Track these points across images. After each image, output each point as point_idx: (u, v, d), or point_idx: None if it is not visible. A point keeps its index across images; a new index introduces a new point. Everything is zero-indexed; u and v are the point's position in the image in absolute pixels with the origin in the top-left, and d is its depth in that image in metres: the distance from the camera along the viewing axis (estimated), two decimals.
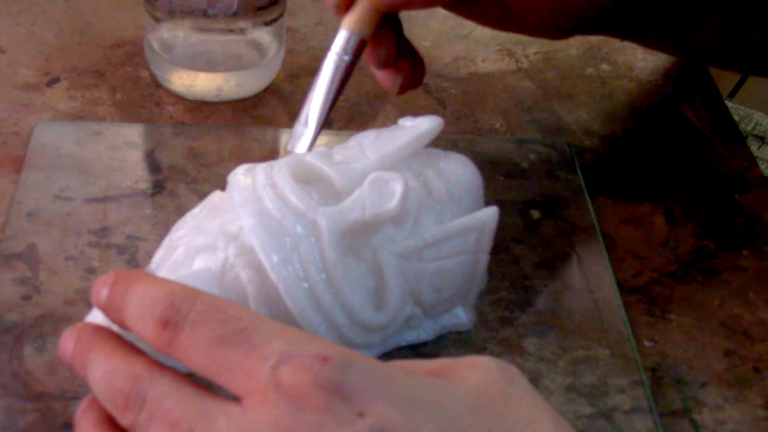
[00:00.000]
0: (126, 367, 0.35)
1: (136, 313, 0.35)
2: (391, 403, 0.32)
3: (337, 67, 0.49)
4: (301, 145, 0.49)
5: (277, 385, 0.32)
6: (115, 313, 0.36)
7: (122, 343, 0.36)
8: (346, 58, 0.49)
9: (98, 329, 0.37)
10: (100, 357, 0.35)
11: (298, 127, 0.50)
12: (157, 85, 0.64)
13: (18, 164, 0.56)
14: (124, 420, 0.34)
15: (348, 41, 0.49)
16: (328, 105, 0.49)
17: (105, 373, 0.35)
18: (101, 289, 0.36)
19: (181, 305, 0.34)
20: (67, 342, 0.37)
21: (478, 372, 0.34)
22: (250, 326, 0.34)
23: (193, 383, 0.34)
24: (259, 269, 0.43)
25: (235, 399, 0.33)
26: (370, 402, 0.32)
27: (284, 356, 0.32)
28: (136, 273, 0.37)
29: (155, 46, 0.62)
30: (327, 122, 0.50)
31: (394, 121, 0.50)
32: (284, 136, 0.61)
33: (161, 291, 0.35)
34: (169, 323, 0.34)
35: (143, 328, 0.35)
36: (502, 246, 0.54)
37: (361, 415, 0.31)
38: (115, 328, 0.37)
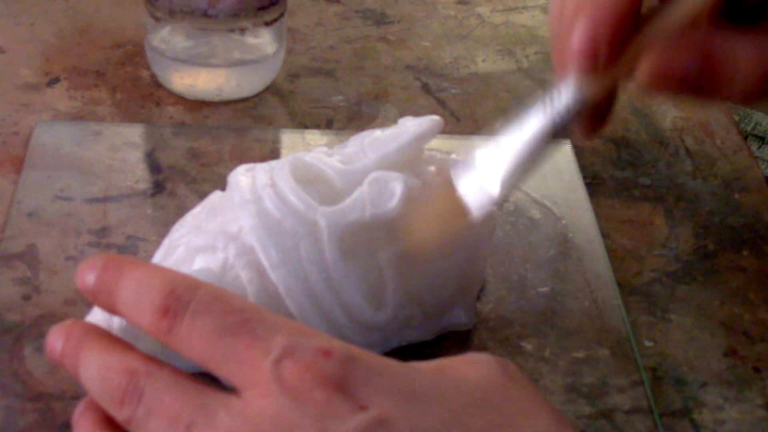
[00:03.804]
0: (122, 362, 0.34)
1: (132, 300, 0.34)
2: (393, 397, 0.32)
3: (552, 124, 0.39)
4: (479, 208, 0.38)
5: (280, 378, 0.32)
6: (104, 297, 0.35)
7: (115, 339, 0.36)
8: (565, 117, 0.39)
9: (89, 326, 0.36)
10: (93, 353, 0.35)
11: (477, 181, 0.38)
12: (157, 85, 0.64)
13: (18, 164, 0.56)
14: (120, 415, 0.33)
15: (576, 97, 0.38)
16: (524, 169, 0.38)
17: (100, 369, 0.34)
18: (88, 274, 0.35)
19: (183, 294, 0.33)
20: (56, 339, 0.36)
21: (478, 368, 0.35)
22: (254, 318, 0.33)
23: (192, 378, 0.34)
24: (259, 269, 0.43)
25: (233, 392, 0.33)
26: (371, 395, 0.32)
27: (287, 350, 0.32)
28: (128, 258, 0.36)
29: (156, 45, 0.62)
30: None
31: (394, 121, 0.49)
32: (284, 136, 0.61)
33: (161, 278, 0.34)
34: (170, 311, 0.33)
35: (139, 315, 0.34)
36: (502, 246, 0.54)
37: (362, 408, 0.31)
38: (114, 326, 0.37)
